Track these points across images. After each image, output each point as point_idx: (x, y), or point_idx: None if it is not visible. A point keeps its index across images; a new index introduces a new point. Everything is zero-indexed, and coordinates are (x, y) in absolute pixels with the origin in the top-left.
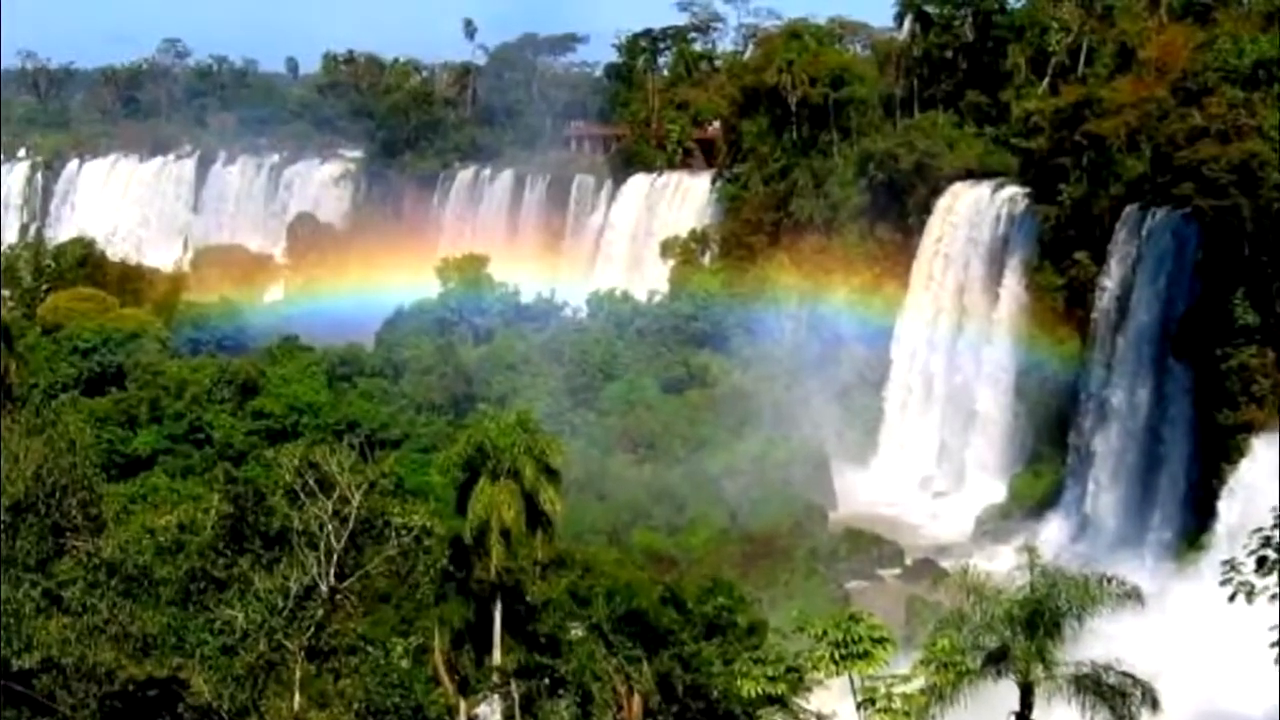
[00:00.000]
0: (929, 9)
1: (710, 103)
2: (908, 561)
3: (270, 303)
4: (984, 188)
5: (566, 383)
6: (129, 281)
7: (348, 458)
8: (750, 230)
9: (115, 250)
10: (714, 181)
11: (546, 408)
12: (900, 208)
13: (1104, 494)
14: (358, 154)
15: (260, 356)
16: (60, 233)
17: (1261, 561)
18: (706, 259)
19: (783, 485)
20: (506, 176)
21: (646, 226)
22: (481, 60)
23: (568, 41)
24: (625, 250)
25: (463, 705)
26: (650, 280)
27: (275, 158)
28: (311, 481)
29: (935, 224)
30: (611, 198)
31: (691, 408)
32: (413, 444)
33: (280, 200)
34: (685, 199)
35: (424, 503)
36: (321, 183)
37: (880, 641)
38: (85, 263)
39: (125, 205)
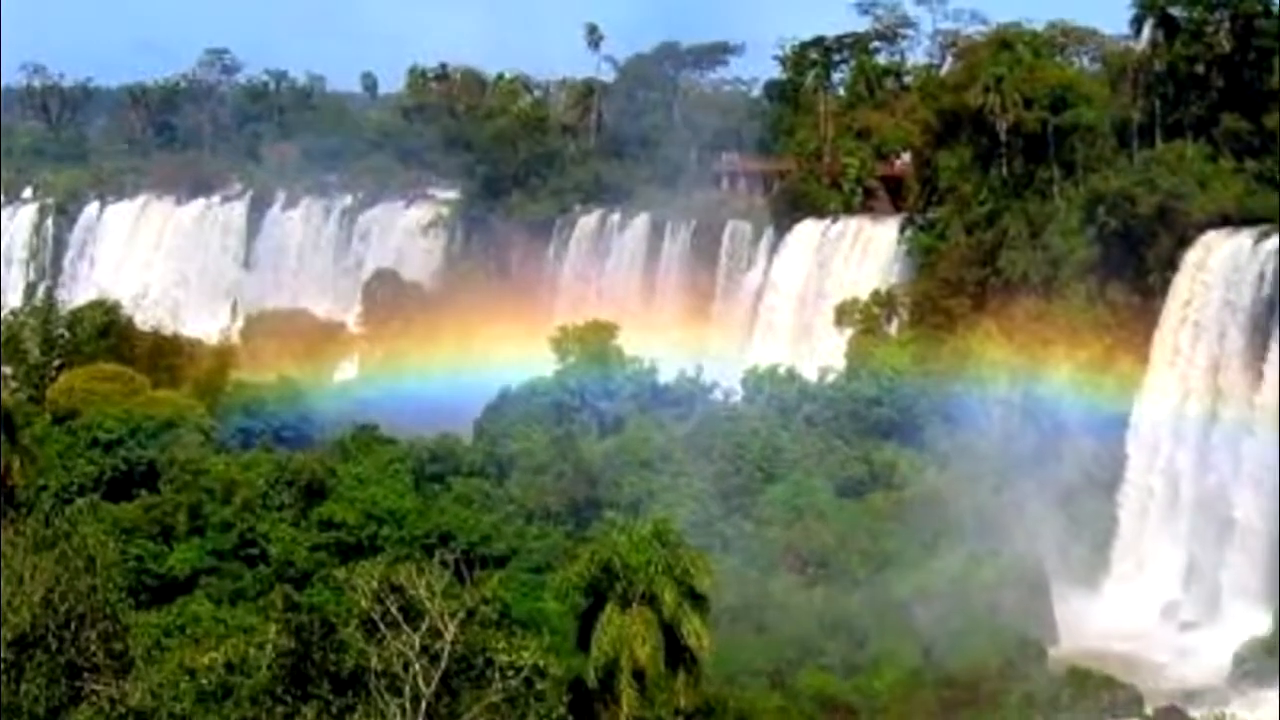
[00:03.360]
0: (1175, 12)
1: (898, 130)
2: (1148, 710)
3: (341, 382)
4: (1244, 237)
5: (717, 484)
6: (163, 356)
7: (439, 579)
8: (949, 291)
9: (146, 316)
10: (903, 230)
11: (691, 516)
12: (1138, 263)
13: None
14: (452, 195)
15: (329, 451)
16: (76, 294)
17: None
18: (893, 327)
19: (990, 614)
20: (640, 223)
21: (817, 286)
22: (609, 76)
23: (717, 53)
24: (790, 316)
25: None
26: (822, 354)
27: (348, 199)
28: (394, 609)
29: (1183, 283)
30: (773, 250)
31: (874, 516)
32: (522, 561)
33: (354, 253)
34: (866, 252)
35: (536, 636)
36: (406, 231)
37: None
38: (108, 332)
39: (158, 259)
